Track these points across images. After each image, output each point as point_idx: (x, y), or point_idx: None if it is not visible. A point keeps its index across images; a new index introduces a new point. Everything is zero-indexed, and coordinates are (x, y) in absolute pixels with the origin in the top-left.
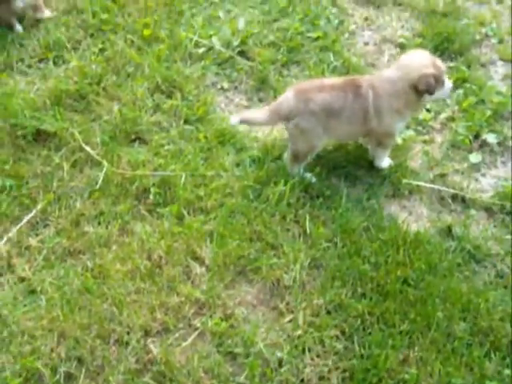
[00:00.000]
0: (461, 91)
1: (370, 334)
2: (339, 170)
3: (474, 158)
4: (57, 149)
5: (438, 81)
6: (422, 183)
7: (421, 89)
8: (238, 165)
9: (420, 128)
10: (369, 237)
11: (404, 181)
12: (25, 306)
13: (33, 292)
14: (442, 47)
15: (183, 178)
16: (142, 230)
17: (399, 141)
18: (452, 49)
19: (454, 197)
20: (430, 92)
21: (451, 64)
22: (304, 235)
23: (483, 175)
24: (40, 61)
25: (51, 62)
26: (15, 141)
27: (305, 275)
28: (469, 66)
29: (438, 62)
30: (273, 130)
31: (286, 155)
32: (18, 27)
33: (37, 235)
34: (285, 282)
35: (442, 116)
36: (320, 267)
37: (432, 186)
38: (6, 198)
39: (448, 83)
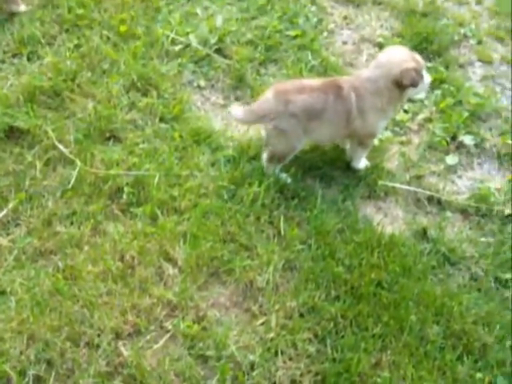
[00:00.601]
0: (438, 92)
1: (342, 337)
2: (315, 171)
3: (451, 159)
4: (29, 146)
5: (419, 74)
6: (397, 185)
7: (405, 83)
8: (213, 164)
9: (397, 129)
10: (343, 239)
11: (380, 182)
12: None
13: (2, 293)
14: (421, 47)
15: (157, 178)
16: (115, 231)
17: (376, 142)
18: (430, 49)
19: (430, 199)
20: (414, 85)
21: (429, 64)
22: (278, 236)
23: (459, 177)
24: (14, 56)
25: (25, 58)
26: None
27: (278, 277)
28: (447, 67)
29: (417, 56)
30: (249, 129)
31: (264, 155)
32: None
33: (8, 235)
34: (258, 283)
35: (420, 117)
36: (294, 269)
37: (408, 187)
38: None
39: (427, 77)
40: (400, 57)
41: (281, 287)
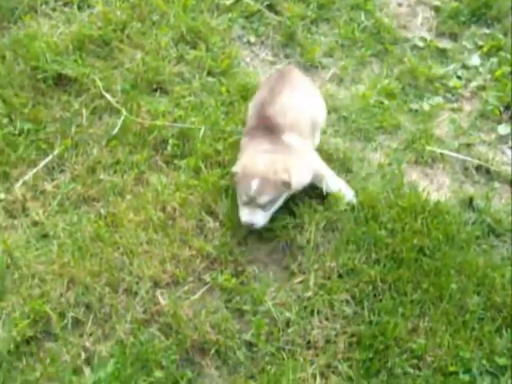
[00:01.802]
0: (495, 60)
1: (380, 300)
2: (362, 134)
3: (503, 129)
4: (77, 94)
5: None
6: (446, 151)
7: None
8: None
9: (449, 95)
10: (387, 203)
11: (428, 148)
12: (37, 249)
13: (45, 236)
14: (479, 13)
15: (202, 131)
16: (158, 181)
17: (426, 107)
18: (489, 15)
19: (478, 168)
20: None
21: (487, 31)
22: (321, 197)
23: (510, 148)
24: (65, 4)
25: (76, 6)
26: (35, 84)
27: (319, 237)
28: (505, 34)
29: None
30: None
31: None
32: None
33: (52, 180)
34: (298, 242)
35: (473, 84)
36: (335, 230)
37: (456, 155)
38: (23, 142)
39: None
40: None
41: (321, 247)
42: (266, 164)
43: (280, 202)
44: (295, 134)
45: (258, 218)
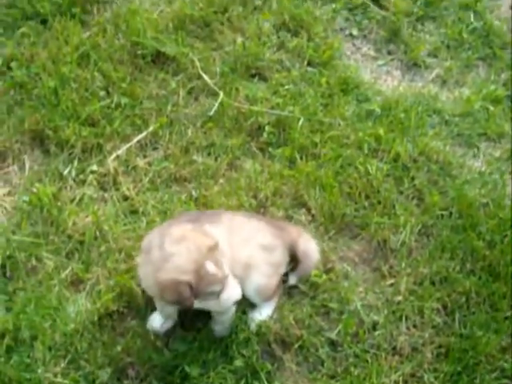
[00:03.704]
0: None
1: (473, 313)
2: (464, 139)
3: None
4: (174, 73)
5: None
6: None
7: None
8: (357, 116)
9: None
10: (487, 213)
11: None
12: (125, 224)
13: (135, 212)
14: None
15: (301, 121)
16: (252, 168)
17: None
18: None
19: None
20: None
21: None
22: (418, 199)
23: None
24: None
25: None
26: (134, 60)
27: (413, 241)
28: None
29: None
30: (399, 85)
31: None
32: None
33: (145, 157)
34: (391, 244)
35: None
36: (430, 235)
37: None
38: (119, 116)
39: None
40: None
41: (414, 251)
42: None
43: None
44: None
45: None
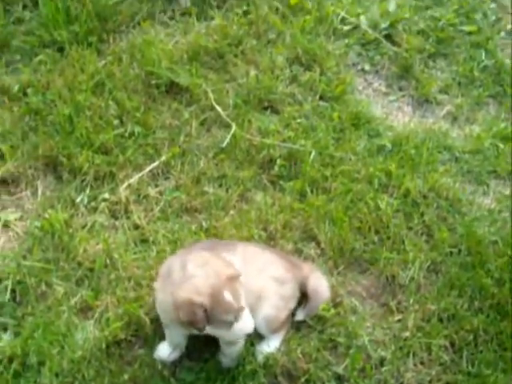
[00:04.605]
0: None
1: (481, 352)
2: (473, 176)
3: None
4: (188, 104)
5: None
6: None
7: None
8: (368, 150)
9: None
10: (496, 251)
11: None
12: (135, 253)
13: (145, 241)
14: None
15: (312, 155)
16: (262, 200)
17: None
18: None
19: None
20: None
21: None
22: (427, 236)
23: None
24: (183, 14)
25: (194, 17)
26: (148, 89)
27: (422, 277)
28: None
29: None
30: (410, 121)
31: None
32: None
33: (156, 186)
34: (400, 279)
35: None
36: (439, 272)
37: None
38: (132, 145)
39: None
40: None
41: (423, 288)
42: None
43: None
44: None
45: None
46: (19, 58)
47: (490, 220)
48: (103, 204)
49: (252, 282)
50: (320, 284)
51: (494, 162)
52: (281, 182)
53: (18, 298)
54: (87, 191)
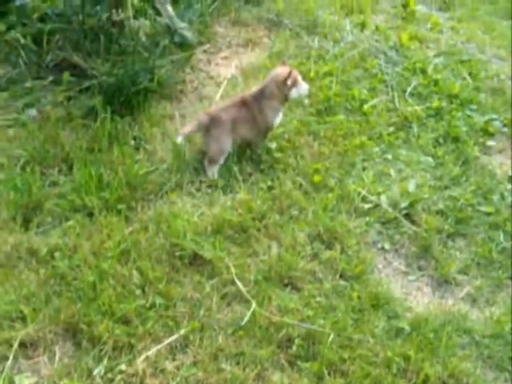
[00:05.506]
0: None
1: None
2: (494, 361)
3: None
4: (209, 277)
5: (295, 81)
6: None
7: (288, 83)
8: (387, 332)
9: None
10: None
11: None
12: None
13: None
14: None
15: (331, 337)
16: (279, 381)
17: None
18: None
19: None
20: (295, 85)
21: None
22: None
23: None
24: (209, 186)
25: (219, 190)
26: (172, 260)
27: None
28: None
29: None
30: (429, 302)
31: (205, 162)
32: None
33: (174, 360)
34: None
35: None
36: None
37: None
38: (153, 316)
39: (305, 84)
40: (282, 69)
41: None
42: None
43: None
44: None
45: None
46: (50, 220)
47: None
48: (119, 376)
49: None
50: None
51: None
52: (298, 363)
53: None
54: (104, 361)
